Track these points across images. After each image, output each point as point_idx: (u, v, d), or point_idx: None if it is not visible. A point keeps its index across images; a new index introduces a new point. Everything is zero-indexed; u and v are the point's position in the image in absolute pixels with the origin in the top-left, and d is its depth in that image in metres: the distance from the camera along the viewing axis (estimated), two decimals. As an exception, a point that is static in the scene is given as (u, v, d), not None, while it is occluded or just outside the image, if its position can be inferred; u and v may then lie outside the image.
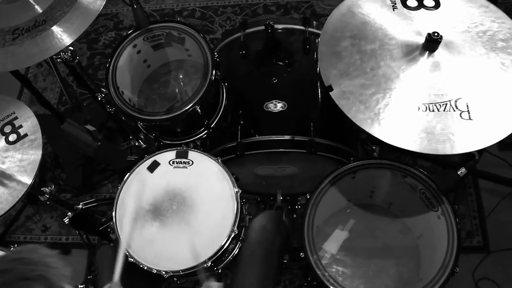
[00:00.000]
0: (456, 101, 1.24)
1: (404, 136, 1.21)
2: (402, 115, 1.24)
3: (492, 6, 1.39)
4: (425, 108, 1.24)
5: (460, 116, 1.22)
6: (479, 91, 1.26)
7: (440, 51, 1.29)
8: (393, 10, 1.40)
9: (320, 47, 1.37)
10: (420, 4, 1.40)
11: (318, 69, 1.35)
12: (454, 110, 1.22)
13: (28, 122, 1.53)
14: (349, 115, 1.25)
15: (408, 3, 1.41)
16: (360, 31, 1.38)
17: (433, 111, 1.23)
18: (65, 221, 1.70)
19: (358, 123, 1.24)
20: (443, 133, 1.20)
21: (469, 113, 1.22)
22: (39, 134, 1.51)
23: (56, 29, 1.40)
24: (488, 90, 1.26)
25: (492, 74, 1.28)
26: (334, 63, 1.33)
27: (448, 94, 1.25)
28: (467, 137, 1.20)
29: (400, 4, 1.41)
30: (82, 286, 1.80)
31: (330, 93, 1.29)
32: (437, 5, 1.40)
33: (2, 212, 1.41)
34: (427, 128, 1.21)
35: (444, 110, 1.23)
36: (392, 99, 1.26)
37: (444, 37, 1.26)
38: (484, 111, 1.22)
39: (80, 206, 1.72)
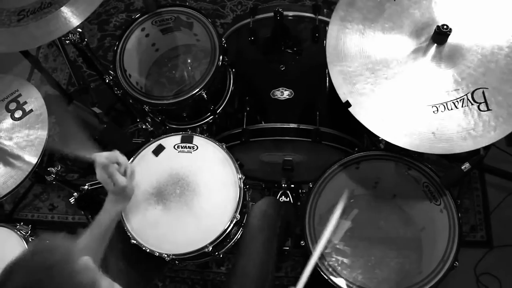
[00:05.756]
0: (472, 93, 1.23)
1: (429, 141, 1.22)
2: (422, 120, 1.24)
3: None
4: (443, 108, 1.23)
5: (479, 108, 1.21)
6: (492, 78, 1.24)
7: (448, 44, 1.28)
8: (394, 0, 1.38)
9: (330, 68, 1.35)
10: None
11: (326, 58, 1.33)
12: (472, 104, 1.21)
13: (32, 98, 1.56)
14: (372, 129, 1.25)
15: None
16: (366, 24, 1.36)
17: (451, 109, 1.23)
18: (71, 201, 1.72)
19: (382, 136, 1.24)
20: (464, 130, 1.20)
21: (486, 104, 1.21)
22: (44, 109, 1.54)
23: (61, 12, 1.40)
24: (501, 75, 1.24)
25: (503, 55, 1.26)
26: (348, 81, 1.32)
27: (463, 88, 1.24)
28: (487, 129, 1.19)
29: None
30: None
31: (349, 109, 1.28)
32: None
33: (8, 191, 1.44)
34: (447, 128, 1.21)
35: (462, 106, 1.22)
36: (411, 106, 1.26)
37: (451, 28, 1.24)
38: (499, 99, 1.21)
39: (86, 187, 1.75)
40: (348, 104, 1.28)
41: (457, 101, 1.23)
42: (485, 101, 1.21)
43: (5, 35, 1.39)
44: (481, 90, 1.22)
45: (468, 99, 1.22)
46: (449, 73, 1.26)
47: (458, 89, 1.24)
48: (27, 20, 1.38)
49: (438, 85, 1.26)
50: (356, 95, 1.30)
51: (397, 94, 1.28)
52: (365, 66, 1.32)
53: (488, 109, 1.20)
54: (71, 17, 1.40)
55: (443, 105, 1.23)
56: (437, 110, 1.23)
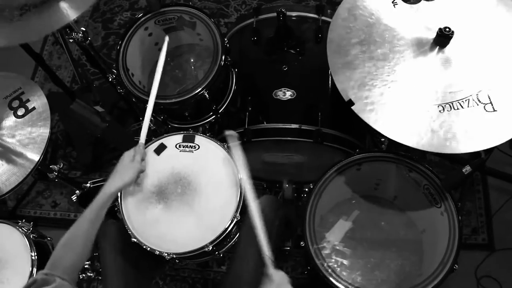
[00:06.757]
0: (477, 94, 1.22)
1: (436, 140, 1.20)
2: (429, 119, 1.23)
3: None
4: (449, 108, 1.23)
5: (484, 109, 1.21)
6: (496, 79, 1.24)
7: (450, 44, 1.27)
8: (394, 7, 1.37)
9: (330, 60, 1.35)
10: None
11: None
12: (478, 104, 1.21)
13: (35, 96, 1.58)
14: (377, 128, 1.23)
15: (407, -3, 1.39)
16: (366, 34, 1.35)
17: (457, 109, 1.22)
18: (73, 198, 1.72)
19: (389, 136, 1.22)
20: (471, 130, 1.19)
21: (492, 105, 1.21)
22: (46, 107, 1.56)
23: (62, 4, 1.40)
24: (505, 76, 1.24)
25: (505, 58, 1.27)
26: (349, 75, 1.31)
27: (467, 89, 1.23)
28: (495, 130, 1.19)
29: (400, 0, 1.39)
30: (88, 262, 1.84)
31: (352, 107, 1.26)
32: None
33: (11, 188, 1.46)
34: (454, 128, 1.20)
35: (468, 106, 1.22)
36: (416, 105, 1.24)
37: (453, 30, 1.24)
38: (505, 100, 1.21)
39: (88, 185, 1.75)
40: (351, 102, 1.27)
41: (462, 102, 1.22)
42: (491, 102, 1.21)
43: (8, 30, 1.39)
44: (485, 92, 1.22)
45: (474, 100, 1.22)
46: (453, 73, 1.26)
47: (462, 90, 1.23)
48: (30, 14, 1.37)
49: (443, 86, 1.26)
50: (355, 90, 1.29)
51: (401, 94, 1.27)
52: (367, 57, 1.32)
53: (494, 110, 1.20)
54: (70, 10, 1.39)
55: (449, 105, 1.23)
56: (443, 110, 1.22)
